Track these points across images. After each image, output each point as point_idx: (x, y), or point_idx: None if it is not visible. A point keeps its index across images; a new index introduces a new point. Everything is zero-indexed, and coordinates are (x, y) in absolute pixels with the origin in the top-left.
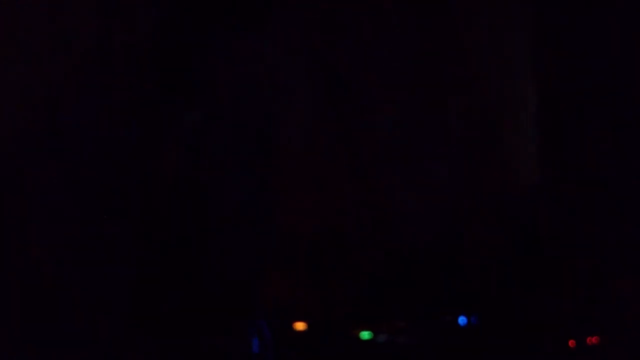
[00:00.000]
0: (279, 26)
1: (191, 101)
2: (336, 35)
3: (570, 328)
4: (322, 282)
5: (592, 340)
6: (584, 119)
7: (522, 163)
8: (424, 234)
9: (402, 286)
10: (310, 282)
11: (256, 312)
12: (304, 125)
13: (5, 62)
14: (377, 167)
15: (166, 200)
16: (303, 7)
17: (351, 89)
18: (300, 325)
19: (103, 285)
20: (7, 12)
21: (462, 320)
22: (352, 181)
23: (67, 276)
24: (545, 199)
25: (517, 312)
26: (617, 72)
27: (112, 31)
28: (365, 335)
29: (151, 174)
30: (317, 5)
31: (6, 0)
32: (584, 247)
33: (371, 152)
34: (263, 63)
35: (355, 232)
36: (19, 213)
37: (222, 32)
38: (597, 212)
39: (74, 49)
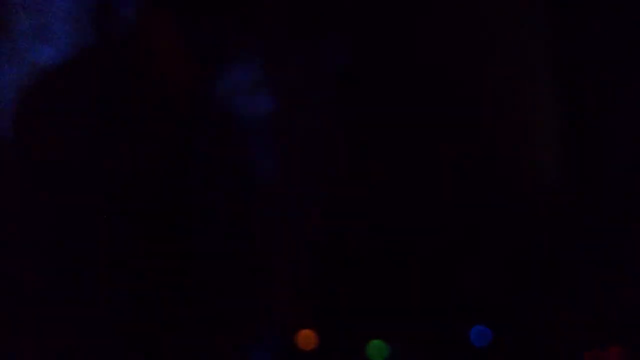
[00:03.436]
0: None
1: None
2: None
3: (588, 337)
4: (329, 287)
5: (612, 350)
6: (608, 118)
7: (540, 166)
8: (435, 238)
9: (411, 292)
10: (316, 287)
11: (257, 319)
12: (307, 123)
13: None
14: (387, 165)
15: (161, 200)
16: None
17: (361, 83)
18: (305, 333)
19: (94, 289)
20: None
21: (474, 330)
22: (361, 180)
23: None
24: (566, 203)
25: (533, 320)
26: None
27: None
28: (376, 343)
29: (142, 172)
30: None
31: None
32: (604, 252)
33: (382, 152)
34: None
35: (364, 235)
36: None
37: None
38: (619, 217)
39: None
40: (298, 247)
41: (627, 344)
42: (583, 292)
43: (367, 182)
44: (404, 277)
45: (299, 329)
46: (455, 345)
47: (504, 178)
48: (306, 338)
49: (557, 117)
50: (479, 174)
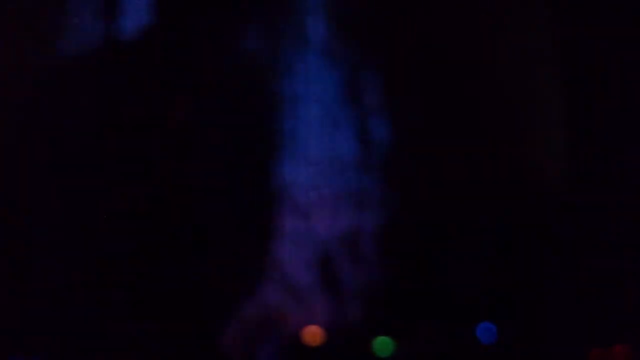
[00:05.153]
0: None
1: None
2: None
3: (593, 335)
4: (336, 285)
5: (617, 348)
6: (612, 115)
7: (545, 162)
8: (441, 235)
9: (417, 289)
10: (323, 285)
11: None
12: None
13: None
14: (389, 163)
15: (170, 200)
16: None
17: (364, 78)
18: (312, 330)
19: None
20: None
21: (480, 328)
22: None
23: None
24: (569, 200)
25: (539, 319)
26: None
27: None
28: (382, 340)
29: (146, 172)
30: None
31: None
32: (608, 251)
33: (386, 146)
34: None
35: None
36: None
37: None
38: (622, 213)
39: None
40: (304, 246)
41: (632, 343)
42: (588, 290)
43: (368, 180)
44: (410, 274)
45: (305, 326)
46: (461, 341)
47: (510, 176)
48: (312, 335)
49: (560, 116)
50: (484, 172)
